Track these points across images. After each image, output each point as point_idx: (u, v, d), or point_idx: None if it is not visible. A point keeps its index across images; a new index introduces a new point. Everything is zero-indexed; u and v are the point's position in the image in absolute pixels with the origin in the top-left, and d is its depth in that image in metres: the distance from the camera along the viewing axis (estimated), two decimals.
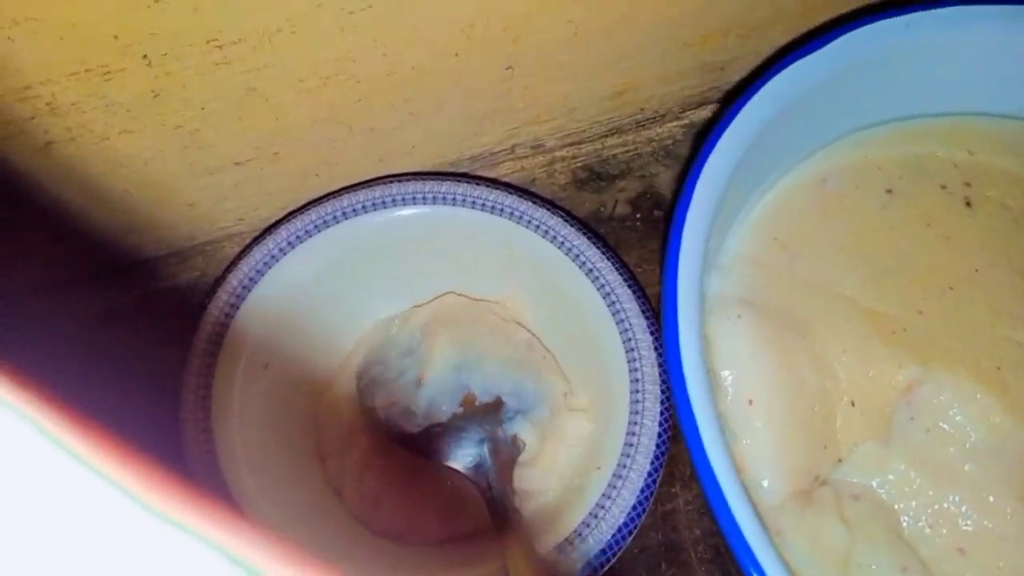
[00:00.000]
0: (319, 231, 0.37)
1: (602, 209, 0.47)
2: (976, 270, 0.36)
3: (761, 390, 0.32)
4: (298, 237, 0.37)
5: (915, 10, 0.36)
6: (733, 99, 0.35)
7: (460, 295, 0.41)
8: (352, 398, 0.39)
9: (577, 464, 0.37)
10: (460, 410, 0.37)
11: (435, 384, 0.38)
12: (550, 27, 0.39)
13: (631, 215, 0.47)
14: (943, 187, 0.38)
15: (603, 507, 0.33)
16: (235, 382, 0.34)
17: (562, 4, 0.38)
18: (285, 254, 0.37)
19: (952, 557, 0.32)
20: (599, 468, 0.35)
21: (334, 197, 0.38)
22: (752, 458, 0.32)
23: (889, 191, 0.38)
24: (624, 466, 0.34)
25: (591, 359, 0.37)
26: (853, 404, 0.33)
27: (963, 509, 0.33)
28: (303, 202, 0.40)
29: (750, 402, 0.32)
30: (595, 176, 0.48)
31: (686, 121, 0.50)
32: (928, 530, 0.32)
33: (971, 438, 0.33)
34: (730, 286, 0.35)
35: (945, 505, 0.33)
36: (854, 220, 0.37)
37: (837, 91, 0.37)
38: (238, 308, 0.35)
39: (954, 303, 0.35)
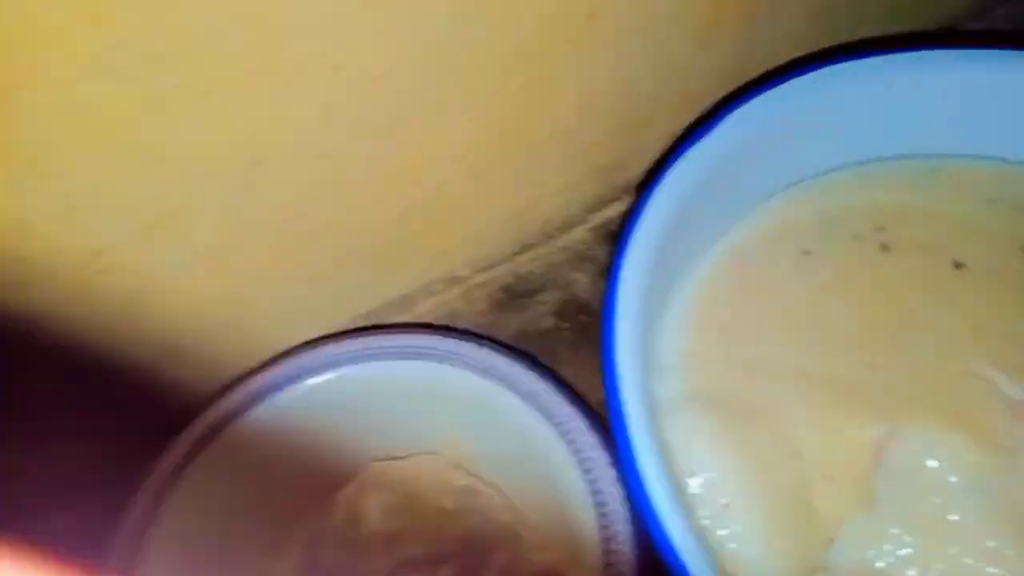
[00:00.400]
0: (216, 438, 0.35)
1: (527, 327, 0.46)
2: (912, 312, 0.36)
3: (733, 490, 0.30)
4: (194, 448, 0.34)
5: (791, 77, 0.37)
6: (639, 192, 0.34)
7: (384, 461, 0.38)
8: None
9: None
10: None
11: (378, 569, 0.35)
12: (443, 166, 0.38)
13: (557, 327, 0.46)
14: (857, 237, 0.38)
15: None
16: None
17: (448, 142, 0.37)
18: (181, 473, 0.34)
19: None
20: None
21: (228, 393, 0.36)
22: (743, 563, 0.30)
23: (807, 252, 0.37)
24: None
25: (543, 491, 0.35)
26: (829, 479, 0.32)
27: (967, 561, 0.31)
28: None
29: (726, 506, 0.30)
30: (514, 295, 0.47)
31: (593, 223, 0.50)
32: None
33: (952, 483, 0.31)
34: (675, 386, 0.33)
35: (948, 562, 0.31)
36: (777, 290, 0.36)
37: (735, 169, 0.37)
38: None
39: (901, 350, 0.34)
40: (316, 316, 0.41)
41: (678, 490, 0.28)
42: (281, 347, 0.39)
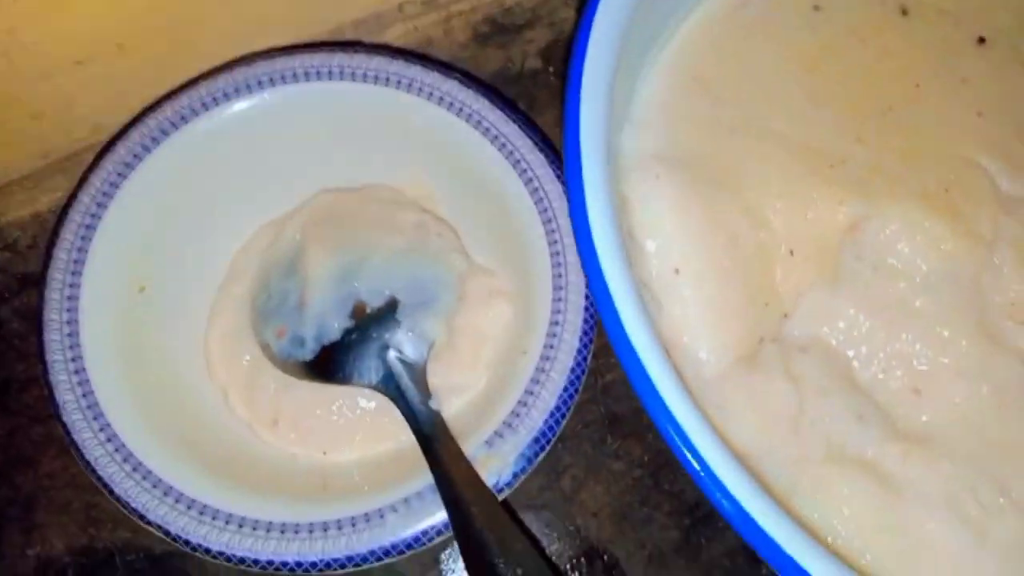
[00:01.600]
0: (176, 128, 0.32)
1: (510, 65, 0.42)
2: (917, 85, 0.33)
3: (689, 255, 0.29)
4: (153, 139, 0.32)
5: None
6: None
7: (335, 190, 0.36)
8: (247, 330, 0.35)
9: (502, 353, 0.34)
10: (351, 323, 0.34)
11: (319, 302, 0.33)
12: None
13: (543, 69, 0.43)
14: None
15: (532, 393, 0.30)
16: (107, 309, 0.31)
17: None
18: (140, 160, 0.32)
19: (907, 399, 0.30)
20: (525, 353, 0.32)
21: (191, 87, 0.33)
22: (686, 329, 0.29)
23: (816, 7, 0.34)
24: (551, 347, 0.31)
25: (504, 236, 0.34)
26: (792, 253, 0.30)
27: (916, 348, 0.30)
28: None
29: (676, 271, 0.29)
30: (499, 29, 0.43)
31: None
32: (882, 374, 0.30)
33: (922, 270, 0.30)
34: (647, 142, 0.31)
35: (898, 346, 0.30)
36: (781, 46, 0.33)
37: None
38: (95, 229, 0.31)
39: (895, 125, 0.32)
40: (276, 29, 0.38)
41: (629, 247, 0.26)
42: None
